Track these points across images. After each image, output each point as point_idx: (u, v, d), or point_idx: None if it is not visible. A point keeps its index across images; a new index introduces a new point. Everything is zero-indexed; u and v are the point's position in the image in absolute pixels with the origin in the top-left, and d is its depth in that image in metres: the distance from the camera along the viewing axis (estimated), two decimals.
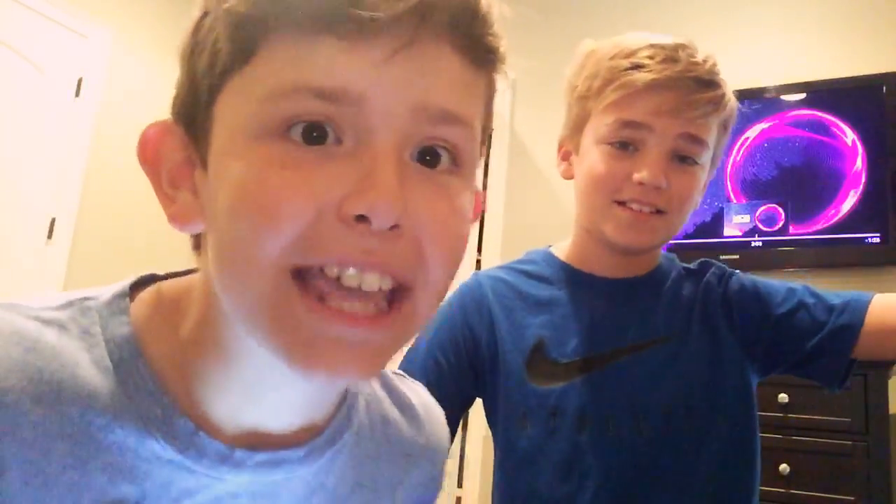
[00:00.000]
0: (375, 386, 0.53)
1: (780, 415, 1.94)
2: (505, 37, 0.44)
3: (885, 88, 2.32)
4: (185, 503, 0.41)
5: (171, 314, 0.43)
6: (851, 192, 2.32)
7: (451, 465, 2.78)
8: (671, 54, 0.78)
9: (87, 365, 0.40)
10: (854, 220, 2.30)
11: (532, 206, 2.94)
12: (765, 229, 2.43)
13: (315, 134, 0.37)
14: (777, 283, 0.87)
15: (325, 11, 0.36)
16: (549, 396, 0.82)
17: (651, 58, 0.78)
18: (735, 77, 2.83)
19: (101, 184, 2.85)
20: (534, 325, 0.85)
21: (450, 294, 0.92)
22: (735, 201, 2.49)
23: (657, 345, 0.83)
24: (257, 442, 0.43)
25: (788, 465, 1.89)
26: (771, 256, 2.42)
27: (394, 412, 0.53)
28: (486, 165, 3.05)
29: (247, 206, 0.36)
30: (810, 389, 1.96)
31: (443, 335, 0.89)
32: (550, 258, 0.92)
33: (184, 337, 0.43)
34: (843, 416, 1.88)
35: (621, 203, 0.79)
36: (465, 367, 0.88)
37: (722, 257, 2.46)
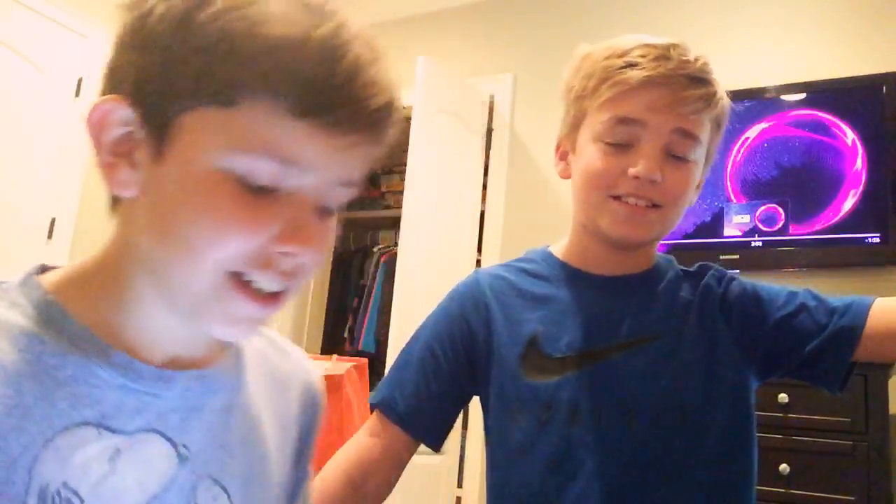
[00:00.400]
0: (255, 338, 0.67)
1: (780, 415, 1.94)
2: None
3: (885, 88, 2.33)
4: (136, 420, 0.52)
5: (83, 282, 0.54)
6: (851, 192, 2.32)
7: (452, 465, 2.79)
8: (663, 53, 0.80)
9: (27, 324, 0.50)
10: (854, 220, 2.30)
11: (532, 206, 2.95)
12: (765, 229, 2.43)
13: (266, 186, 0.49)
14: (778, 286, 0.88)
15: (309, 108, 0.47)
16: (543, 390, 0.84)
17: (644, 56, 0.80)
18: (735, 77, 2.84)
19: (101, 184, 2.85)
20: (530, 321, 0.87)
21: (450, 289, 0.94)
22: (735, 201, 2.49)
23: (650, 342, 0.84)
24: (180, 366, 0.55)
25: (788, 465, 1.89)
26: (771, 256, 2.42)
27: (269, 350, 0.68)
28: (486, 165, 3.05)
29: (209, 225, 0.48)
30: (810, 389, 1.95)
31: (440, 328, 0.92)
32: (549, 257, 0.93)
33: (100, 294, 0.53)
34: (843, 416, 1.88)
35: (617, 198, 0.82)
36: (461, 359, 0.90)
37: (722, 257, 2.47)
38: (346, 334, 3.75)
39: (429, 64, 2.88)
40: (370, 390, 1.80)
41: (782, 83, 2.50)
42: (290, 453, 0.67)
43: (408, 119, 2.87)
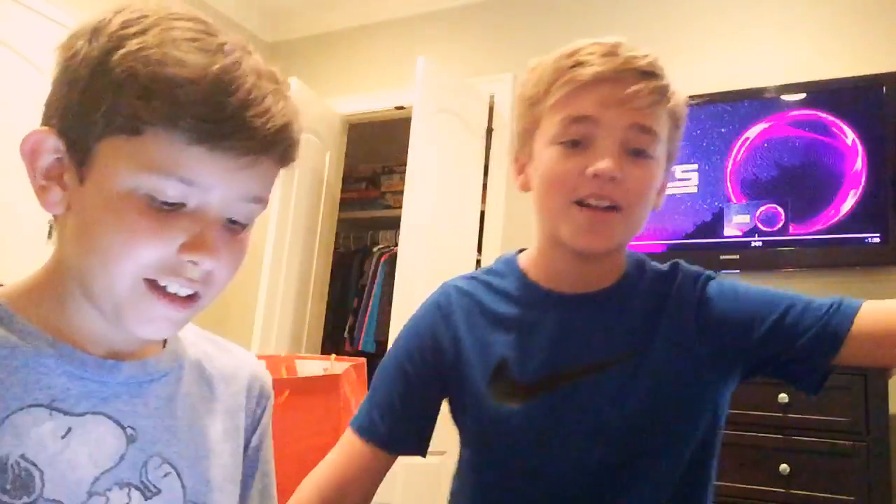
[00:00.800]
0: (196, 339, 0.74)
1: (780, 415, 1.94)
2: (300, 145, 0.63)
3: (885, 88, 2.32)
4: (84, 404, 0.59)
5: (29, 291, 0.62)
6: (851, 192, 2.32)
7: (452, 465, 2.77)
8: (611, 49, 0.80)
9: None
10: (854, 220, 2.30)
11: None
12: (765, 229, 2.43)
13: (172, 202, 0.57)
14: (760, 287, 0.84)
15: (203, 136, 0.55)
16: (511, 416, 0.83)
17: (592, 53, 0.80)
18: (735, 77, 2.83)
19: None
20: (497, 344, 0.85)
21: (421, 303, 0.93)
22: (735, 201, 2.49)
23: (618, 363, 0.82)
24: (121, 357, 0.63)
25: (788, 465, 1.89)
26: (771, 256, 2.42)
27: (211, 348, 0.75)
28: (486, 166, 3.05)
29: (121, 237, 0.56)
30: None
31: (411, 344, 0.92)
32: (516, 271, 0.91)
33: (46, 299, 0.61)
34: (843, 416, 1.88)
35: (579, 203, 0.79)
36: (431, 374, 0.90)
37: (722, 257, 2.47)
38: (346, 334, 3.76)
39: (429, 64, 2.88)
40: (368, 391, 1.80)
41: (782, 83, 2.50)
42: (240, 441, 0.73)
43: (408, 119, 2.87)
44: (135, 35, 0.56)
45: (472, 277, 0.94)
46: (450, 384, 0.90)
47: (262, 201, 0.62)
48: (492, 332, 0.87)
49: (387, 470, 0.93)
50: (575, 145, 0.80)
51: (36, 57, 2.72)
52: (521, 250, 0.95)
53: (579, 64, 0.79)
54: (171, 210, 0.57)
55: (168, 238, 0.57)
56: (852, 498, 1.83)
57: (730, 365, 0.82)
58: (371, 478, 0.91)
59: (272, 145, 0.58)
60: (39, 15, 2.79)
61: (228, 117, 0.55)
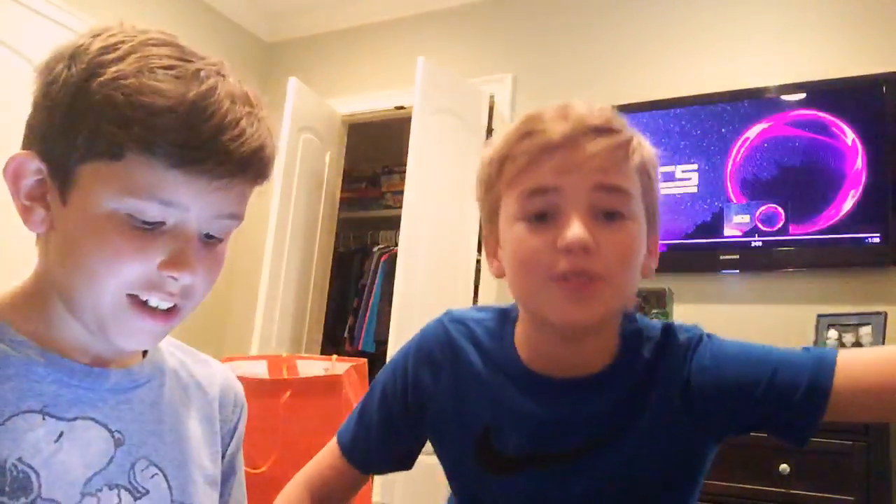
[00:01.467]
0: (172, 349, 0.77)
1: None
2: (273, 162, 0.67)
3: (885, 88, 2.32)
4: (74, 410, 0.62)
5: (15, 302, 0.64)
6: (851, 192, 2.32)
7: None
8: (560, 113, 0.74)
9: None
10: (854, 220, 2.30)
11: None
12: (765, 229, 2.43)
13: (152, 222, 0.59)
14: (744, 348, 0.79)
15: (180, 161, 0.58)
16: (492, 485, 0.81)
17: (540, 121, 0.75)
18: (735, 77, 2.84)
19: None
20: (483, 408, 0.82)
21: (413, 337, 0.90)
22: (735, 201, 2.49)
23: (600, 446, 0.77)
24: (106, 364, 0.66)
25: (788, 465, 1.89)
26: (771, 256, 2.42)
27: (186, 358, 0.78)
28: None
29: (103, 255, 0.59)
30: None
31: (397, 377, 0.89)
32: (507, 337, 0.84)
33: (32, 311, 0.64)
34: None
35: (555, 280, 0.71)
36: (411, 414, 0.88)
37: (722, 257, 2.48)
38: (346, 334, 3.76)
39: (429, 64, 2.88)
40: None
41: (782, 83, 2.50)
42: (217, 448, 0.76)
43: (408, 119, 2.87)
44: (112, 62, 0.58)
45: (465, 324, 0.88)
46: (432, 432, 0.88)
47: (236, 217, 0.65)
48: (478, 396, 0.82)
49: (365, 480, 0.95)
50: (541, 219, 0.73)
51: (36, 57, 2.71)
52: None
53: (528, 135, 0.74)
54: (150, 229, 0.60)
55: (149, 256, 0.60)
56: (852, 498, 1.83)
57: (717, 434, 0.80)
58: (349, 484, 0.93)
59: (246, 167, 0.61)
60: (39, 15, 2.79)
61: (204, 142, 0.58)
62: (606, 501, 0.79)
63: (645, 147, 0.77)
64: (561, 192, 0.72)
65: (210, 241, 0.64)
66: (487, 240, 0.83)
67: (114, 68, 0.58)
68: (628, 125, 0.77)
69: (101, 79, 0.58)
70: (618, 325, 0.81)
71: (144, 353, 0.72)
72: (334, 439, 0.93)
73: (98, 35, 0.61)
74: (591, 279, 0.71)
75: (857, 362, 0.72)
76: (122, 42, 0.60)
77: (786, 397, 0.73)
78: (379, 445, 0.90)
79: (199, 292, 0.65)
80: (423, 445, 0.92)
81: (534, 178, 0.73)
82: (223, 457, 0.78)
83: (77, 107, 0.59)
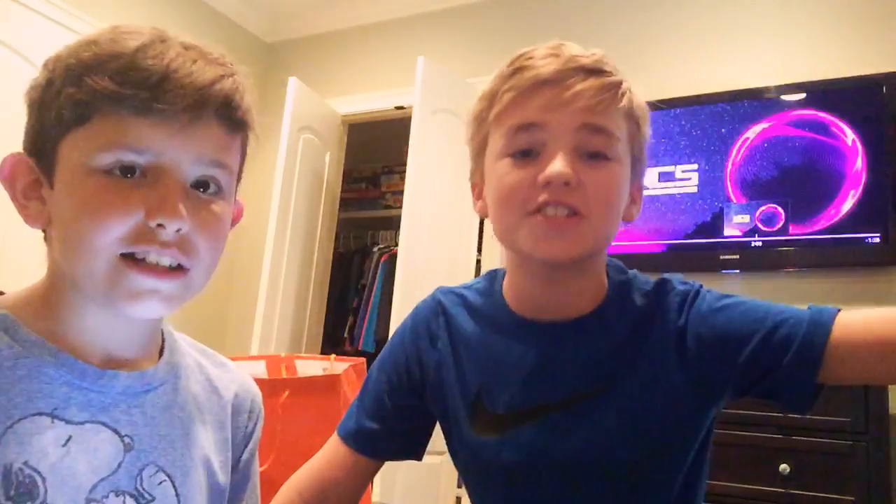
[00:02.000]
0: (191, 351, 0.76)
1: (780, 415, 1.94)
2: (253, 108, 0.67)
3: (885, 88, 2.32)
4: (84, 413, 0.61)
5: (29, 300, 0.64)
6: (851, 192, 2.32)
7: (451, 466, 2.78)
8: (553, 51, 0.75)
9: None
10: (854, 220, 2.30)
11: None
12: (765, 229, 2.43)
13: (129, 173, 0.60)
14: (743, 303, 0.77)
15: (139, 103, 0.59)
16: (485, 448, 0.80)
17: (531, 58, 0.75)
18: (735, 77, 2.83)
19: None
20: (475, 372, 0.82)
21: (414, 308, 0.91)
22: (735, 201, 2.49)
23: (593, 397, 0.76)
24: (119, 366, 0.65)
25: (788, 465, 1.89)
26: (771, 256, 2.42)
27: (203, 360, 0.77)
28: None
29: (88, 215, 0.59)
30: None
31: (396, 352, 0.90)
32: (496, 292, 0.85)
33: (44, 308, 0.63)
34: (843, 416, 1.88)
35: (534, 213, 0.72)
36: (414, 388, 0.88)
37: (722, 257, 2.47)
38: (346, 334, 3.76)
39: (429, 64, 2.88)
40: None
41: (782, 83, 2.50)
42: (228, 454, 0.75)
43: (408, 119, 2.87)
44: (79, 50, 0.61)
45: (456, 293, 0.89)
46: (434, 404, 0.87)
47: (221, 165, 0.64)
48: (471, 360, 0.83)
49: (372, 475, 0.91)
50: (525, 155, 0.74)
51: (36, 57, 2.72)
52: None
53: (519, 70, 0.75)
54: (132, 182, 0.60)
55: (131, 207, 0.59)
56: (852, 498, 1.83)
57: (713, 390, 0.77)
58: (353, 482, 0.88)
59: (205, 102, 0.61)
60: (39, 15, 2.79)
61: (157, 81, 0.59)
62: (594, 465, 0.76)
63: (635, 94, 0.77)
64: (547, 128, 0.73)
65: (203, 194, 0.64)
66: (474, 178, 0.83)
67: (68, 49, 0.62)
68: (616, 68, 0.76)
69: (62, 63, 0.61)
70: (603, 270, 0.81)
71: (161, 353, 0.70)
72: (333, 436, 0.91)
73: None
74: (569, 215, 0.72)
75: (857, 319, 0.70)
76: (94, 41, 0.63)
77: (781, 351, 0.71)
78: (383, 424, 0.87)
79: (203, 250, 0.63)
80: (428, 428, 0.91)
81: (521, 114, 0.74)
82: (238, 463, 0.76)
83: (46, 94, 0.62)
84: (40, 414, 0.59)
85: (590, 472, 0.76)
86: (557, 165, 0.70)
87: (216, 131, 0.63)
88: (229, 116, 0.64)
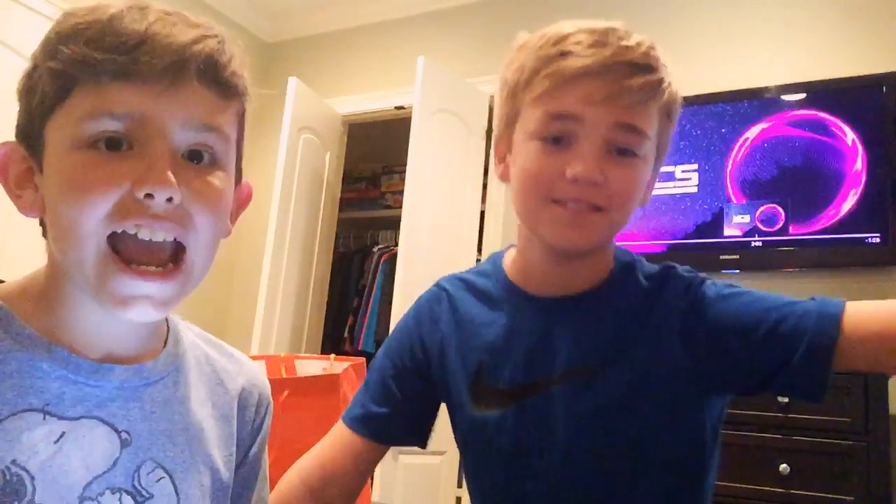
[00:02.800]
0: (198, 341, 0.74)
1: (780, 415, 1.94)
2: (245, 74, 0.63)
3: (885, 88, 2.32)
4: (78, 407, 0.59)
5: (26, 292, 0.62)
6: (851, 192, 2.32)
7: (452, 465, 2.79)
8: (601, 38, 0.73)
9: None
10: (854, 220, 2.30)
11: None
12: (765, 229, 2.43)
13: (115, 146, 0.57)
14: (748, 295, 0.76)
15: (117, 67, 0.56)
16: (487, 424, 0.81)
17: (579, 43, 0.73)
18: (735, 77, 2.82)
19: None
20: (477, 349, 0.83)
21: (417, 298, 0.92)
22: (735, 201, 2.49)
23: (594, 370, 0.76)
24: (116, 361, 0.63)
25: (788, 465, 1.89)
26: (771, 256, 2.42)
27: (211, 352, 0.74)
28: (486, 166, 3.05)
29: (72, 193, 0.56)
30: None
31: (402, 339, 0.91)
32: (500, 272, 0.86)
33: (42, 301, 0.62)
34: (843, 416, 1.88)
35: (557, 202, 0.73)
36: (420, 372, 0.89)
37: (722, 257, 2.47)
38: (346, 334, 3.76)
39: (429, 64, 2.88)
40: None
41: (782, 83, 2.50)
42: (232, 449, 0.72)
43: (408, 119, 2.87)
44: (55, 22, 0.60)
45: (459, 278, 0.91)
46: (438, 387, 0.88)
47: (213, 129, 0.60)
48: (473, 337, 0.84)
49: (375, 461, 0.91)
50: (556, 142, 0.74)
51: None
52: (511, 246, 0.89)
53: (564, 54, 0.73)
54: (117, 154, 0.57)
55: (118, 178, 0.56)
56: (852, 498, 1.83)
57: (710, 378, 0.76)
58: (357, 466, 0.88)
59: (185, 62, 0.57)
60: (39, 15, 2.79)
61: (135, 44, 0.56)
62: (591, 444, 0.76)
63: (672, 88, 0.76)
64: (583, 121, 0.72)
65: (197, 164, 0.60)
66: (499, 142, 0.84)
67: (53, 25, 0.60)
68: (661, 59, 0.75)
69: (43, 46, 0.60)
70: (611, 251, 0.82)
71: (165, 344, 0.68)
72: (337, 424, 0.90)
73: None
74: (590, 208, 0.73)
75: (865, 310, 0.70)
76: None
77: (790, 344, 0.70)
78: (389, 408, 0.88)
79: (200, 225, 0.60)
80: (433, 413, 0.91)
81: (559, 102, 0.73)
82: (246, 456, 0.74)
83: (31, 78, 0.60)
84: (31, 410, 0.56)
85: (590, 448, 0.76)
86: (588, 165, 0.71)
87: (203, 93, 0.59)
88: (215, 78, 0.60)
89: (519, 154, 0.78)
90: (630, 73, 0.72)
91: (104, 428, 0.60)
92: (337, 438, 0.90)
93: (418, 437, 0.92)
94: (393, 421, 0.88)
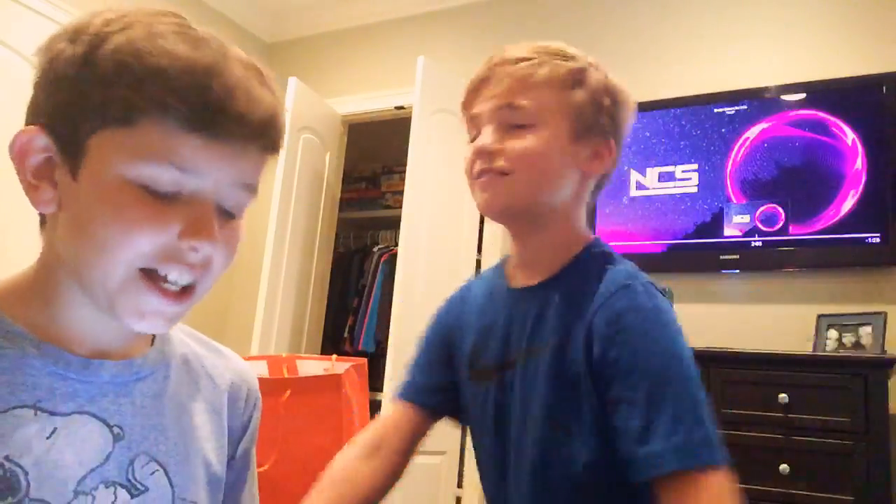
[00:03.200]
0: (185, 338, 0.75)
1: (780, 415, 1.94)
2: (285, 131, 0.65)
3: (885, 88, 2.32)
4: (70, 404, 0.60)
5: (14, 289, 0.63)
6: (851, 192, 2.32)
7: (452, 465, 2.79)
8: (496, 52, 0.92)
9: None
10: (854, 220, 2.30)
11: None
12: (765, 229, 2.43)
13: (168, 192, 0.57)
14: (643, 358, 0.77)
15: (196, 122, 0.56)
16: (476, 396, 0.94)
17: (485, 62, 0.92)
18: (735, 77, 2.83)
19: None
20: (472, 332, 0.97)
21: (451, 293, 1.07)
22: (735, 201, 2.49)
23: (542, 351, 0.85)
24: (106, 356, 0.63)
25: (788, 465, 1.89)
26: (771, 256, 2.42)
27: (199, 348, 0.76)
28: None
29: (119, 224, 0.56)
30: (810, 389, 1.96)
31: (439, 323, 1.04)
32: (501, 269, 1.00)
33: (31, 298, 0.62)
34: (843, 416, 1.88)
35: (474, 177, 0.90)
36: (447, 353, 1.01)
37: (722, 257, 2.48)
38: (346, 334, 3.76)
39: (429, 64, 2.88)
40: (369, 390, 1.80)
41: (782, 83, 2.50)
42: (223, 442, 0.74)
43: (408, 119, 2.87)
44: (120, 30, 0.57)
45: (482, 276, 1.06)
46: (456, 361, 0.99)
47: (252, 189, 0.63)
48: (470, 322, 0.98)
49: (422, 429, 1.00)
50: (474, 137, 0.91)
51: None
52: None
53: (473, 75, 0.93)
54: (167, 198, 0.58)
55: (166, 225, 0.58)
56: (852, 498, 1.83)
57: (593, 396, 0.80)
58: (409, 429, 0.99)
59: (261, 132, 0.60)
60: (39, 15, 2.79)
61: (219, 105, 0.57)
62: (543, 420, 0.83)
63: (563, 65, 0.89)
64: (481, 116, 0.90)
65: (226, 217, 0.63)
66: None
67: (122, 35, 0.57)
68: (550, 51, 0.90)
69: (111, 46, 0.57)
70: (569, 240, 0.91)
71: (152, 341, 0.69)
72: (388, 405, 1.03)
73: (99, 14, 0.60)
74: (496, 174, 0.87)
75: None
76: (125, 15, 0.59)
77: (626, 436, 0.74)
78: (430, 379, 1.01)
79: (217, 269, 0.62)
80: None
81: (469, 110, 0.93)
82: (236, 451, 0.76)
83: (84, 77, 0.57)
84: (23, 406, 0.57)
85: (536, 421, 0.84)
86: (478, 140, 0.89)
87: (259, 157, 0.63)
88: (273, 145, 0.63)
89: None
90: (503, 66, 0.89)
91: (96, 423, 0.61)
92: (386, 412, 1.02)
93: (452, 411, 1.02)
94: (432, 390, 1.00)
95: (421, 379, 1.02)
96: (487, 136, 0.88)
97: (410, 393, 1.01)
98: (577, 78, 0.89)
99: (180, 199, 0.58)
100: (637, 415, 0.74)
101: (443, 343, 1.02)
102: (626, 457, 0.74)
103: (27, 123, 0.61)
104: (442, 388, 1.00)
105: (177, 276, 0.59)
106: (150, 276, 0.59)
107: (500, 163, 0.86)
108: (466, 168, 0.91)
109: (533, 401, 0.85)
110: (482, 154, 0.87)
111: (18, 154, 0.60)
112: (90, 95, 0.57)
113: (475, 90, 0.91)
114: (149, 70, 0.56)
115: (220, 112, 0.57)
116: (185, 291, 0.61)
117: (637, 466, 0.73)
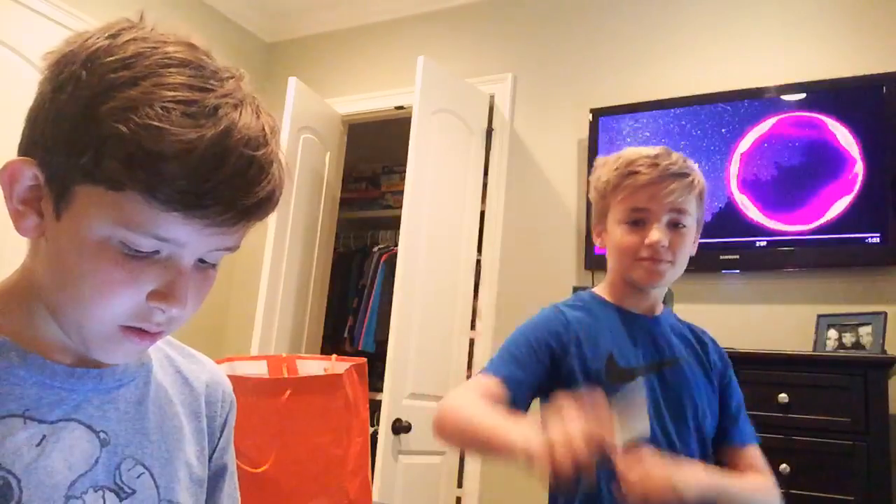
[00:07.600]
0: (161, 345, 0.77)
1: (780, 415, 1.94)
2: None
3: (885, 88, 2.33)
4: (57, 412, 0.62)
5: (0, 296, 0.64)
6: (851, 193, 2.32)
7: (452, 465, 2.79)
8: (654, 161, 1.21)
9: None
10: (854, 220, 2.30)
11: (531, 205, 2.95)
12: (765, 229, 2.43)
13: (145, 252, 0.58)
14: (738, 398, 1.31)
15: (180, 203, 0.55)
16: (619, 391, 1.11)
17: (641, 165, 1.22)
18: (735, 77, 2.83)
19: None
20: (605, 342, 1.23)
21: (542, 307, 1.31)
22: (735, 201, 2.49)
23: (678, 362, 1.25)
24: (89, 364, 0.65)
25: (788, 465, 1.89)
26: (771, 256, 2.42)
27: (173, 353, 0.78)
28: (486, 165, 3.05)
29: (95, 288, 0.58)
30: (810, 389, 1.96)
31: (539, 333, 1.23)
32: (595, 299, 1.31)
33: (14, 309, 0.63)
34: (843, 416, 1.88)
35: (640, 259, 1.22)
36: (547, 359, 1.21)
37: (722, 257, 2.48)
38: (346, 334, 3.76)
39: (429, 64, 2.88)
40: (369, 390, 1.80)
41: (782, 83, 2.50)
42: (203, 444, 0.76)
43: (408, 119, 2.87)
44: (124, 85, 0.55)
45: (565, 305, 1.29)
46: (562, 368, 1.21)
47: (233, 249, 0.64)
48: (598, 335, 1.24)
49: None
50: (635, 224, 1.22)
51: (36, 57, 2.72)
52: (584, 288, 1.39)
53: (634, 174, 1.22)
54: (143, 257, 0.58)
55: (139, 285, 0.58)
56: (852, 498, 1.83)
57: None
58: (500, 403, 1.14)
59: (252, 214, 0.59)
60: (39, 15, 2.79)
61: (210, 191, 0.55)
62: (689, 412, 1.22)
63: (699, 180, 1.25)
64: (650, 211, 1.22)
65: (203, 265, 0.63)
66: (596, 225, 1.33)
67: (125, 94, 0.55)
68: (692, 167, 1.25)
69: (111, 105, 0.55)
70: (664, 295, 1.33)
71: None
72: (481, 376, 1.18)
73: (114, 35, 0.58)
74: (661, 261, 1.21)
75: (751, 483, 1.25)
76: (139, 55, 0.57)
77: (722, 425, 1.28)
78: (527, 376, 1.19)
79: (185, 319, 0.63)
80: (550, 384, 1.20)
81: (635, 200, 1.22)
82: (213, 452, 0.78)
83: (83, 126, 0.56)
84: (11, 415, 0.59)
85: (685, 413, 1.22)
86: (656, 234, 1.20)
87: (246, 227, 0.61)
88: (263, 216, 0.61)
89: (613, 234, 1.26)
90: (674, 179, 1.21)
91: (83, 429, 0.63)
92: (485, 383, 1.17)
93: (527, 405, 1.22)
94: (525, 386, 1.19)
95: (519, 373, 1.19)
96: (659, 234, 1.19)
97: (512, 383, 1.17)
98: (704, 189, 1.27)
99: (157, 258, 0.59)
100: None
101: (552, 351, 1.22)
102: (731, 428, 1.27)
103: (24, 139, 0.62)
104: (530, 385, 1.20)
105: (147, 327, 0.61)
106: (128, 327, 0.61)
107: (669, 257, 1.21)
108: (627, 248, 1.22)
109: (686, 397, 1.22)
110: (657, 247, 1.19)
111: (8, 179, 0.60)
112: (84, 149, 0.55)
113: (643, 188, 1.21)
114: (141, 151, 0.54)
115: (209, 198, 0.55)
116: (158, 332, 0.63)
117: (746, 434, 1.27)
